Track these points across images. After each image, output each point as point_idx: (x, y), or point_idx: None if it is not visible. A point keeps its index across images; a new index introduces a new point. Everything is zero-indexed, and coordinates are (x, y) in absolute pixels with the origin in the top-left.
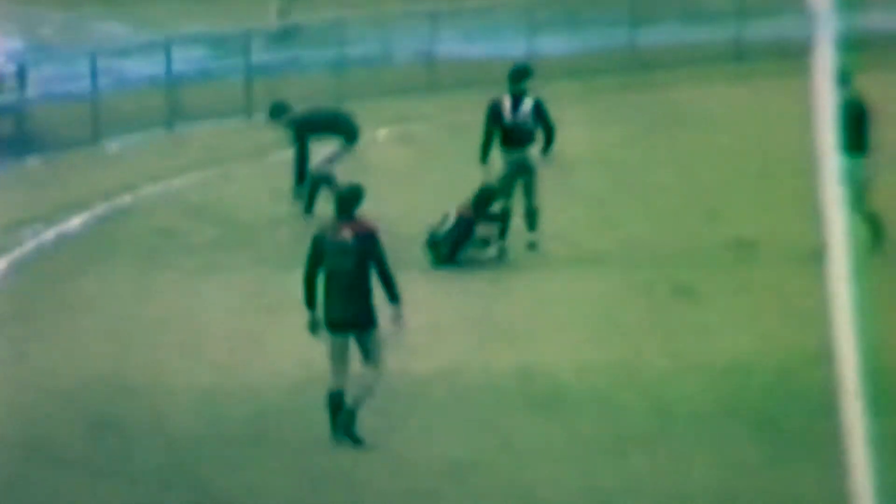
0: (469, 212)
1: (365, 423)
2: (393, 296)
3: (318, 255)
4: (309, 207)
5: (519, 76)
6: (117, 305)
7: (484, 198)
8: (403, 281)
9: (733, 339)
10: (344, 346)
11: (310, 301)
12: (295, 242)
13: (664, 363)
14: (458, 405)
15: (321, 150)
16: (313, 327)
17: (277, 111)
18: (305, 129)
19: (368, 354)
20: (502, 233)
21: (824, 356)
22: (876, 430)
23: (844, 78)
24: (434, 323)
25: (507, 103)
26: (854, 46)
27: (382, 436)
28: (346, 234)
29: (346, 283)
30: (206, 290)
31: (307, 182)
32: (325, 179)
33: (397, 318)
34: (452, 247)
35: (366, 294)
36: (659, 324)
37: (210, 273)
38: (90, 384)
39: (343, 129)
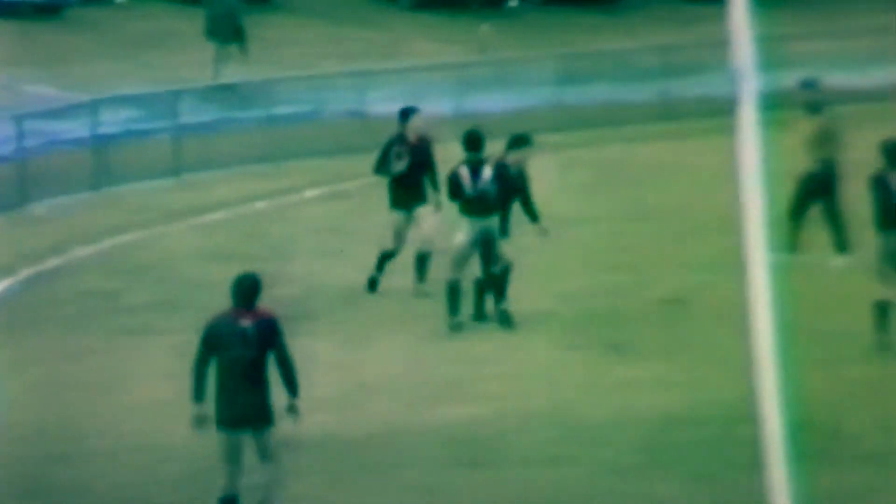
0: None
1: (298, 487)
2: (293, 387)
3: (213, 344)
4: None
5: (475, 144)
6: (45, 369)
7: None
8: (329, 341)
9: (664, 395)
10: (238, 445)
11: (199, 394)
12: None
13: (596, 419)
14: (391, 467)
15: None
16: (200, 422)
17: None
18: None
19: (265, 453)
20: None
21: (752, 412)
22: (799, 481)
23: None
24: (362, 383)
25: (464, 173)
26: (776, 104)
27: (322, 499)
28: (246, 321)
29: (245, 373)
30: (137, 353)
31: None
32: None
33: (294, 411)
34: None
35: (264, 387)
36: (591, 380)
37: (142, 335)
38: (18, 449)
39: None
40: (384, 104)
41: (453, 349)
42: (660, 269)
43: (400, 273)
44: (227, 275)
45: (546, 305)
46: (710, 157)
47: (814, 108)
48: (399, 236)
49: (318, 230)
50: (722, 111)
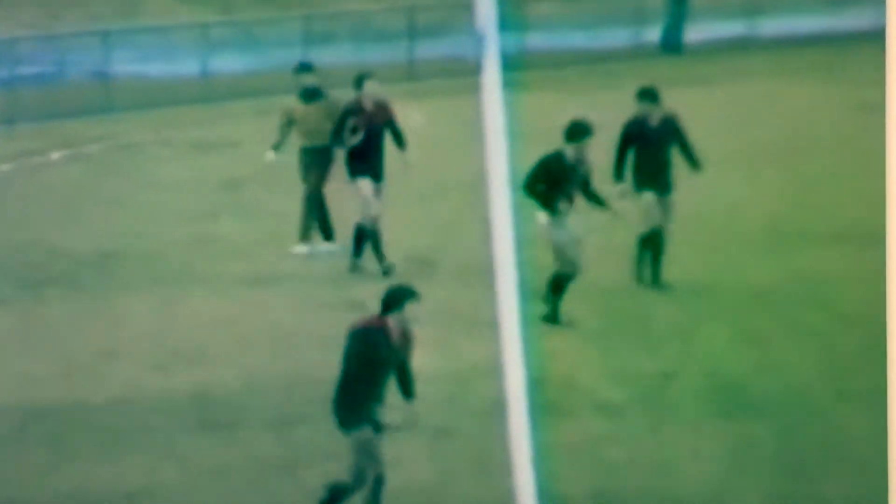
0: None
1: (35, 456)
2: None
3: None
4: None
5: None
6: None
7: None
8: (72, 306)
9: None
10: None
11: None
12: None
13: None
14: (134, 431)
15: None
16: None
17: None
18: None
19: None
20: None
21: (496, 368)
22: (539, 434)
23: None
24: (104, 349)
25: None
26: (519, 65)
27: (55, 468)
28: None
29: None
30: None
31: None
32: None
33: None
34: None
35: None
36: (333, 339)
37: None
38: None
39: None
40: (128, 64)
41: (198, 312)
42: (406, 228)
43: (135, 236)
44: None
45: (290, 265)
46: (456, 118)
47: (311, 93)
48: (369, 204)
49: (62, 194)
50: (466, 72)
